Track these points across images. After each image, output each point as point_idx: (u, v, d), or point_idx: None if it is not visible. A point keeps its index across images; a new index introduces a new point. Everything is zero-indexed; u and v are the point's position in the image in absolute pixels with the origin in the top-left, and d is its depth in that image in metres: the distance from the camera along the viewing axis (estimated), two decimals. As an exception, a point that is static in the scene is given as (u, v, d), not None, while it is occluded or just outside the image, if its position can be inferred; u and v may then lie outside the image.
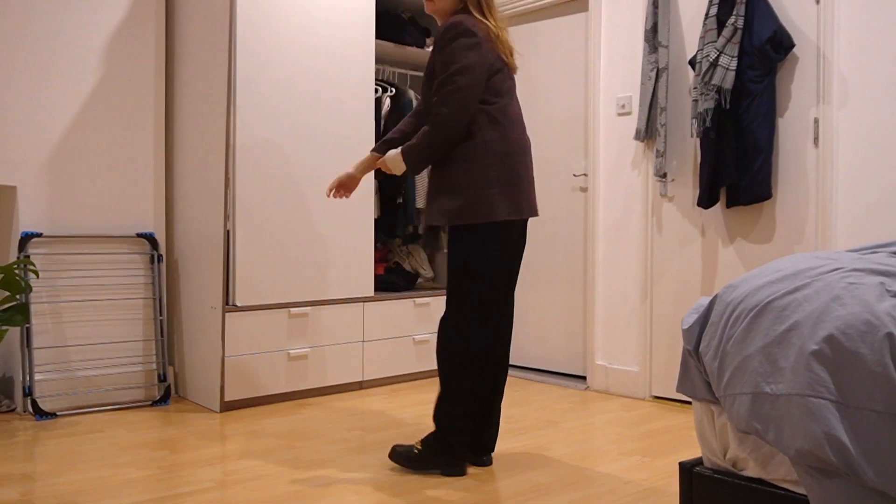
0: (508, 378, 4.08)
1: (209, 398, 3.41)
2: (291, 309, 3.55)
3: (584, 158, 4.02)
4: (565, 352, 4.12)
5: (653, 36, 3.51)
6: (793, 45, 3.13)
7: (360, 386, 3.85)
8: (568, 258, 4.10)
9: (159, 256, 3.61)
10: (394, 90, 4.15)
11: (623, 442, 2.92)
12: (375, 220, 4.03)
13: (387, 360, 3.93)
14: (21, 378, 3.23)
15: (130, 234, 3.57)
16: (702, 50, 3.24)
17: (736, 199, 3.25)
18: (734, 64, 3.11)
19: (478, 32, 2.43)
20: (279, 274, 3.51)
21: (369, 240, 3.85)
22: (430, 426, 3.12)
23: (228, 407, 3.37)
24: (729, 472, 1.65)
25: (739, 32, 3.12)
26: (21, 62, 3.29)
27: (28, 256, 3.26)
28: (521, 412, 3.38)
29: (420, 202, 4.21)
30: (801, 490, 1.50)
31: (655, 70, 3.49)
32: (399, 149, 2.54)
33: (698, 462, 1.74)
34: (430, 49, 2.58)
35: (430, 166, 2.56)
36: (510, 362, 4.36)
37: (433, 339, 4.11)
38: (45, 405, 3.27)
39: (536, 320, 4.25)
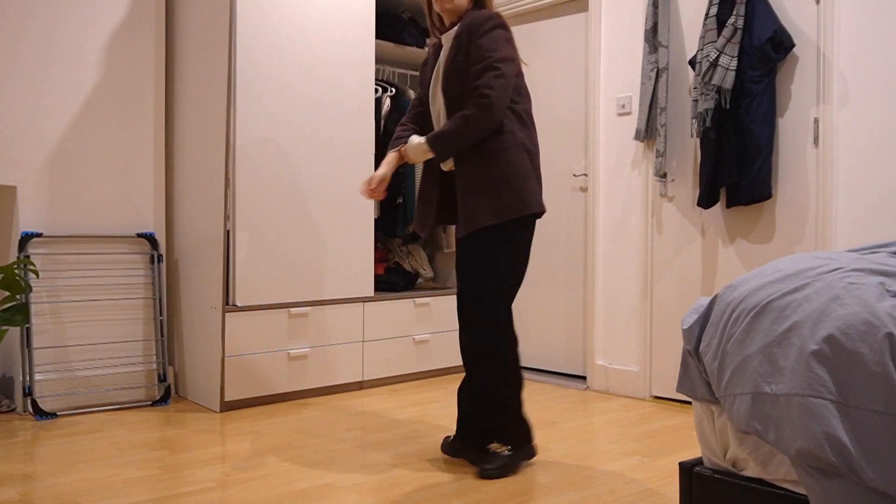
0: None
1: (209, 398, 3.41)
2: (291, 309, 3.55)
3: (584, 158, 4.02)
4: (565, 352, 4.12)
5: (653, 36, 3.51)
6: (793, 45, 3.13)
7: (360, 386, 3.85)
8: (568, 258, 4.10)
9: (159, 256, 3.61)
10: (394, 90, 4.16)
11: (623, 442, 2.91)
12: (375, 220, 4.03)
13: (387, 360, 3.93)
14: (21, 378, 3.23)
15: (130, 234, 3.57)
16: (702, 50, 3.24)
17: (736, 199, 3.25)
18: (734, 64, 3.11)
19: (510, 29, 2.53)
20: (279, 274, 3.51)
21: (369, 240, 3.85)
22: (430, 426, 3.12)
23: (228, 407, 3.37)
24: (729, 472, 1.65)
25: (739, 32, 3.12)
26: (21, 62, 3.29)
27: (28, 256, 3.26)
28: (521, 412, 3.38)
29: (420, 202, 4.21)
30: (801, 490, 1.50)
31: (655, 70, 3.49)
32: (422, 138, 2.51)
33: (698, 462, 1.74)
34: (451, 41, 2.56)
35: (455, 167, 2.53)
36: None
37: (433, 339, 4.11)
38: (45, 405, 3.27)
39: (536, 320, 4.25)
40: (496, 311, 2.52)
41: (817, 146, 3.11)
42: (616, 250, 3.82)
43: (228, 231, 3.38)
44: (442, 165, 2.63)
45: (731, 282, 1.83)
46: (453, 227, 4.05)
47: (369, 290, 3.86)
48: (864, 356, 1.37)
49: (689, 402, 3.40)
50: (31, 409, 3.20)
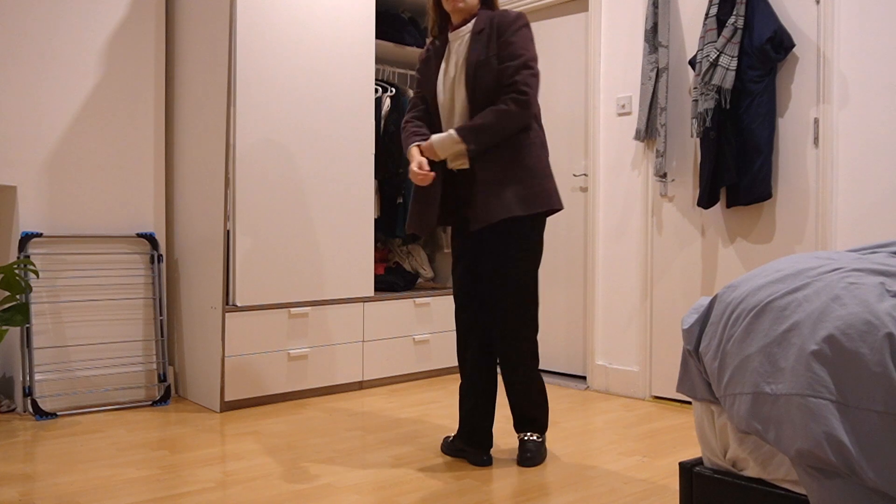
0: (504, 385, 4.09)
1: (209, 398, 3.41)
2: (291, 309, 3.55)
3: (584, 158, 4.02)
4: (565, 352, 4.12)
5: (653, 36, 3.51)
6: (793, 45, 3.13)
7: (360, 386, 3.85)
8: (568, 258, 4.10)
9: (159, 256, 3.61)
10: (394, 90, 4.16)
11: (623, 442, 2.91)
12: (375, 220, 4.03)
13: (387, 360, 3.93)
14: (21, 378, 3.23)
15: (130, 234, 3.57)
16: (702, 50, 3.24)
17: (736, 199, 3.25)
18: (734, 64, 3.11)
19: None
20: (279, 274, 3.51)
21: (369, 240, 3.85)
22: (430, 426, 3.12)
23: (228, 407, 3.37)
24: (729, 472, 1.65)
25: (739, 32, 3.12)
26: (21, 62, 3.29)
27: (28, 256, 3.26)
28: (521, 412, 3.38)
29: (420, 202, 4.20)
30: (801, 490, 1.50)
31: (655, 70, 3.49)
32: (448, 132, 2.49)
33: (698, 462, 1.74)
34: (471, 36, 2.57)
35: (474, 161, 2.52)
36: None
37: (433, 339, 4.11)
38: (45, 405, 3.27)
39: (536, 320, 4.24)
40: (530, 308, 2.60)
41: (817, 146, 3.11)
42: (616, 250, 3.82)
43: (228, 231, 3.38)
44: (450, 164, 2.61)
45: (731, 282, 1.83)
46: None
47: (369, 290, 3.86)
48: (864, 356, 1.37)
49: (689, 402, 3.40)
50: (31, 409, 3.20)
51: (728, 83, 3.11)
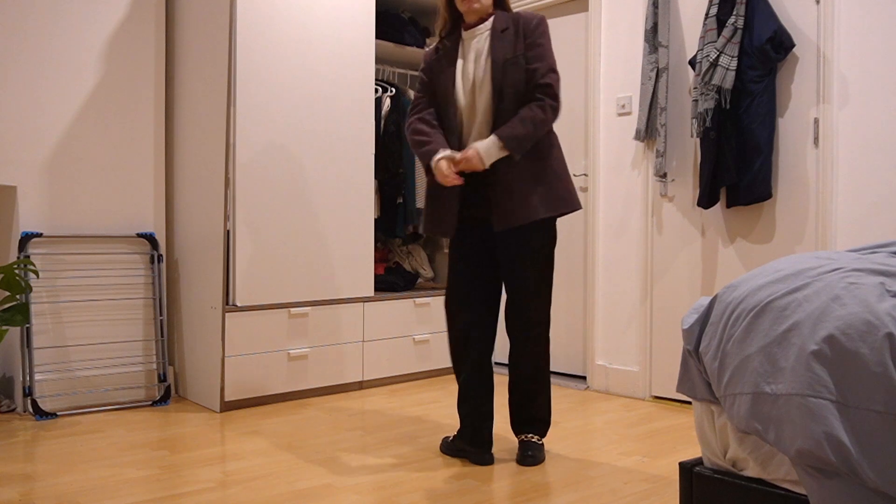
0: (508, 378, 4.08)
1: (209, 398, 3.41)
2: (291, 309, 3.55)
3: (584, 158, 4.02)
4: (565, 352, 4.12)
5: (653, 36, 3.51)
6: (793, 45, 3.13)
7: (360, 386, 3.85)
8: (568, 258, 4.10)
9: (159, 256, 3.61)
10: (394, 90, 4.16)
11: (623, 442, 2.91)
12: (375, 220, 4.03)
13: (387, 360, 3.93)
14: (21, 378, 3.23)
15: (130, 234, 3.57)
16: (702, 50, 3.24)
17: (736, 199, 3.25)
18: (734, 64, 3.11)
19: None
20: (279, 274, 3.51)
21: (369, 240, 3.85)
22: (430, 426, 3.12)
23: (228, 407, 3.37)
24: (729, 472, 1.65)
25: (739, 32, 3.12)
26: (21, 62, 3.29)
27: (28, 256, 3.26)
28: (521, 412, 3.38)
29: (420, 202, 4.21)
30: (801, 490, 1.50)
31: (655, 70, 3.49)
32: (491, 140, 2.48)
33: (698, 462, 1.74)
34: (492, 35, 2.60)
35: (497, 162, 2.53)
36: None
37: (433, 339, 4.11)
38: (45, 405, 3.27)
39: (536, 320, 4.24)
40: (547, 304, 2.66)
41: (817, 146, 3.11)
42: (616, 250, 3.82)
43: (228, 231, 3.38)
44: None
45: (731, 282, 1.83)
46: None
47: (369, 290, 3.86)
48: (864, 356, 1.37)
49: (689, 402, 3.40)
50: (31, 409, 3.20)
51: (728, 83, 3.11)
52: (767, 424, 1.47)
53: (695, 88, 3.27)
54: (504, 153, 2.50)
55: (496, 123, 2.55)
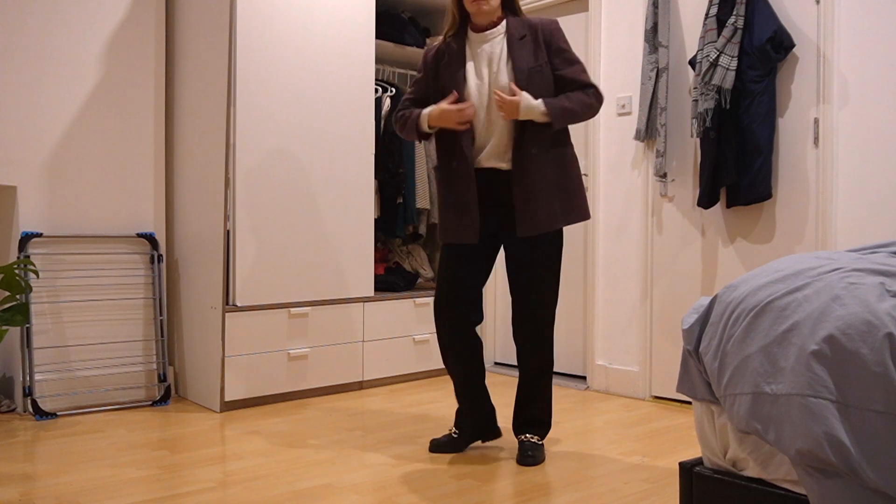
0: (508, 378, 4.09)
1: (209, 398, 3.41)
2: (291, 309, 3.55)
3: (584, 158, 4.01)
4: (565, 352, 4.12)
5: (653, 36, 3.51)
6: (793, 45, 3.13)
7: (360, 386, 3.85)
8: (568, 258, 4.10)
9: (159, 256, 3.61)
10: (394, 90, 4.15)
11: (623, 442, 2.91)
12: (375, 220, 4.03)
13: (387, 360, 3.93)
14: (21, 378, 3.23)
15: (130, 234, 3.57)
16: (702, 50, 3.24)
17: (736, 199, 3.25)
18: (734, 64, 3.11)
19: None
20: (279, 274, 3.51)
21: (369, 240, 3.85)
22: (430, 426, 3.12)
23: (228, 407, 3.37)
24: (729, 472, 1.65)
25: (739, 32, 3.12)
26: (21, 62, 3.29)
27: (28, 256, 3.26)
28: (521, 412, 3.38)
29: (420, 202, 4.21)
30: (801, 490, 1.50)
31: (655, 70, 3.49)
32: (537, 101, 2.51)
33: (698, 462, 1.74)
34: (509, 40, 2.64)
35: (520, 167, 2.56)
36: (510, 362, 4.37)
37: (433, 339, 4.11)
38: (45, 405, 3.27)
39: (536, 320, 4.24)
40: (553, 311, 2.71)
41: (817, 146, 3.11)
42: (616, 250, 3.82)
43: (228, 231, 3.38)
44: (485, 162, 2.60)
45: (731, 282, 1.83)
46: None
47: (369, 290, 3.86)
48: (864, 356, 1.37)
49: (689, 402, 3.40)
50: (31, 409, 3.20)
51: (728, 83, 3.11)
52: (767, 424, 1.47)
53: (695, 88, 3.27)
54: (543, 119, 2.53)
55: (522, 129, 2.56)
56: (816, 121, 3.11)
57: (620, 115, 3.79)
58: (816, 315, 1.45)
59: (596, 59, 3.86)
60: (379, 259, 4.35)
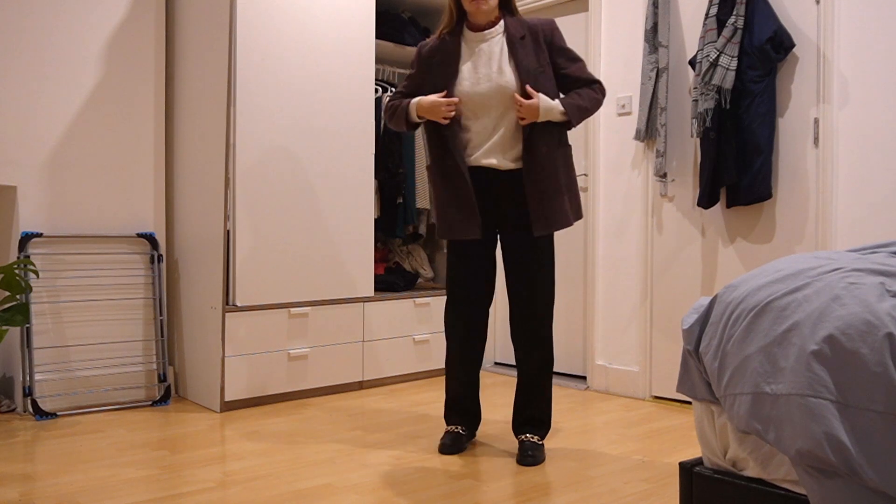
0: (508, 378, 4.09)
1: (209, 398, 3.41)
2: (291, 309, 3.55)
3: (584, 158, 4.02)
4: (565, 352, 4.12)
5: (653, 36, 3.51)
6: (793, 45, 3.13)
7: (360, 386, 3.85)
8: (568, 258, 4.10)
9: (159, 256, 3.61)
10: (394, 90, 4.15)
11: (623, 442, 2.91)
12: (375, 220, 4.03)
13: (387, 360, 3.93)
14: (21, 378, 3.23)
15: (130, 234, 3.57)
16: (702, 50, 3.24)
17: (736, 199, 3.25)
18: (734, 64, 3.11)
19: None
20: (279, 274, 3.51)
21: (369, 240, 3.85)
22: (430, 426, 3.12)
23: (228, 407, 3.37)
24: (729, 473, 1.65)
25: (739, 32, 3.12)
26: (21, 62, 3.29)
27: (28, 256, 3.26)
28: (521, 412, 3.38)
29: (420, 202, 4.21)
30: (801, 490, 1.50)
31: (655, 70, 3.49)
32: (554, 102, 2.58)
33: (698, 462, 1.74)
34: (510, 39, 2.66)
35: (527, 167, 2.59)
36: (510, 362, 4.37)
37: (433, 339, 4.11)
38: (45, 405, 3.27)
39: (536, 320, 4.24)
40: (552, 308, 2.74)
41: (817, 146, 3.11)
42: (616, 250, 3.82)
43: (228, 231, 3.38)
44: (484, 160, 2.63)
45: (731, 282, 1.83)
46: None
47: (369, 290, 3.86)
48: (864, 356, 1.37)
49: (689, 402, 3.40)
50: (31, 409, 3.20)
51: (728, 83, 3.11)
52: (767, 424, 1.47)
53: (695, 88, 3.27)
54: (561, 118, 2.59)
55: (530, 129, 2.58)
56: (816, 121, 3.11)
57: (620, 115, 3.79)
58: (816, 315, 1.45)
59: (596, 59, 3.86)
60: (379, 259, 4.35)
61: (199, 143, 3.51)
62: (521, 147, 2.60)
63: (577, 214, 2.71)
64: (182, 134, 3.65)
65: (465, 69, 2.63)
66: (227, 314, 3.33)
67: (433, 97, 2.62)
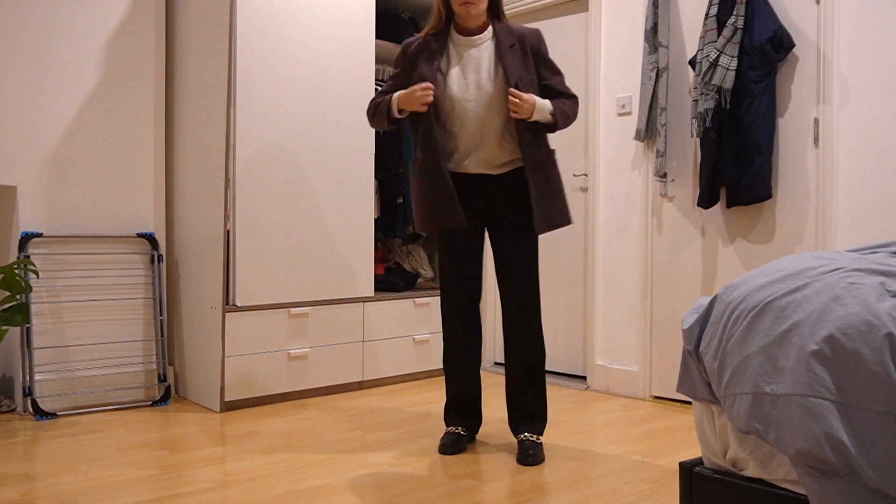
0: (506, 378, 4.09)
1: (209, 398, 3.41)
2: (291, 309, 3.55)
3: (584, 158, 4.02)
4: (565, 352, 4.12)
5: (653, 36, 3.51)
6: (793, 45, 3.13)
7: (360, 386, 3.85)
8: (568, 258, 4.10)
9: (159, 256, 3.61)
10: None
11: (623, 442, 2.92)
12: (375, 220, 4.03)
13: (387, 360, 3.93)
14: (21, 378, 3.23)
15: (130, 234, 3.57)
16: (702, 50, 3.24)
17: (736, 199, 3.25)
18: (734, 64, 3.11)
19: None
20: (279, 274, 3.51)
21: (369, 240, 3.85)
22: (430, 426, 3.12)
23: (228, 407, 3.37)
24: (729, 472, 1.65)
25: (739, 32, 3.12)
26: (21, 62, 3.29)
27: (28, 256, 3.26)
28: (521, 412, 3.38)
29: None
30: (801, 490, 1.50)
31: (655, 70, 3.49)
32: (546, 102, 2.62)
33: (698, 462, 1.74)
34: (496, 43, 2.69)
35: (527, 171, 2.64)
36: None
37: (433, 339, 4.11)
38: (45, 405, 3.27)
39: (536, 320, 4.24)
40: (539, 304, 2.78)
41: (817, 146, 3.11)
42: (616, 250, 3.82)
43: (228, 231, 3.38)
44: (474, 168, 2.67)
45: (731, 282, 1.83)
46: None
47: (369, 290, 3.86)
48: (864, 356, 1.37)
49: (689, 402, 3.40)
50: (31, 409, 3.20)
51: (728, 83, 3.11)
52: (767, 424, 1.47)
53: (695, 88, 3.27)
54: (548, 119, 2.63)
55: (517, 136, 2.62)
56: (816, 121, 3.11)
57: (620, 115, 3.79)
58: (816, 315, 1.45)
59: (596, 59, 3.87)
60: (379, 259, 4.35)
61: (199, 142, 3.51)
62: (507, 152, 2.66)
63: (567, 214, 2.77)
64: (182, 134, 3.65)
65: (454, 74, 2.63)
66: (227, 314, 3.33)
67: (416, 89, 2.59)
